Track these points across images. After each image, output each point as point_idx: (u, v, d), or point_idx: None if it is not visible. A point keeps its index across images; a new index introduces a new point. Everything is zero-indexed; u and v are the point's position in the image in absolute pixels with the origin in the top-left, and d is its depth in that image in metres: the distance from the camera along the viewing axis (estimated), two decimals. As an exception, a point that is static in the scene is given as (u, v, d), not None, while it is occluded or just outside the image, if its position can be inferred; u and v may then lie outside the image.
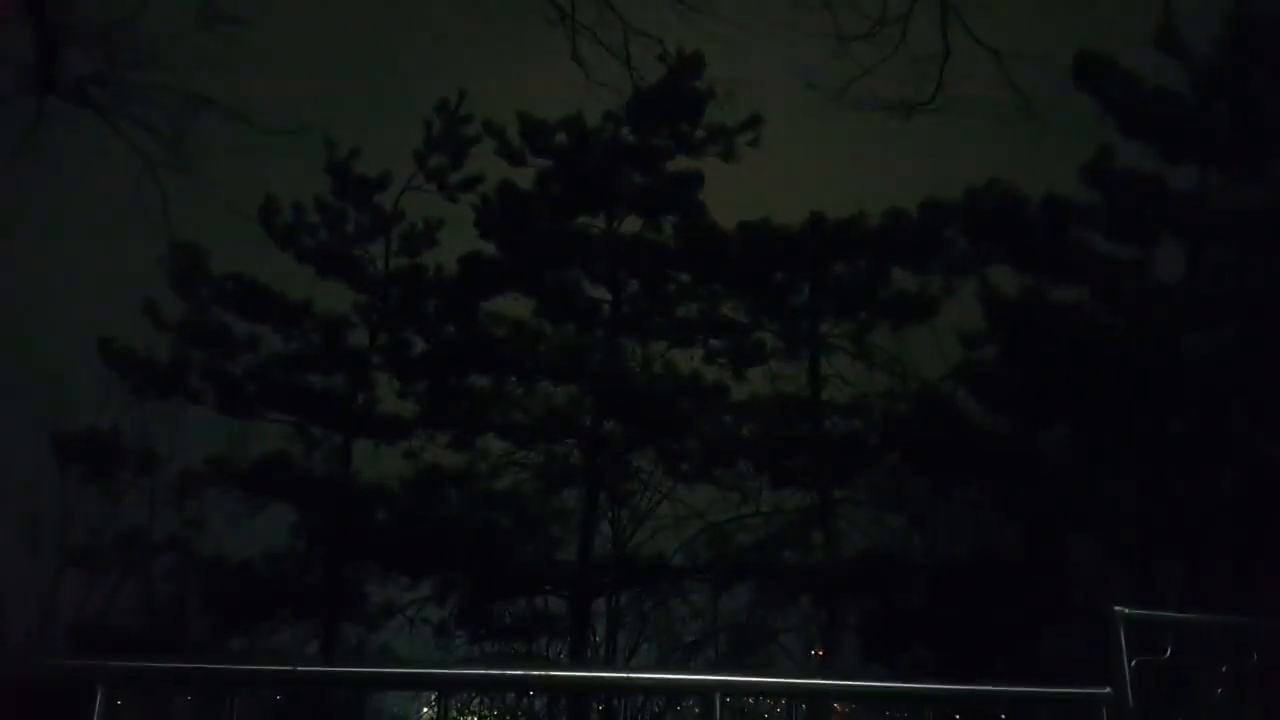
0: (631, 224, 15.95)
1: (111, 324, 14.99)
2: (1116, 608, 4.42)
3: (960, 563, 13.94)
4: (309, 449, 15.10)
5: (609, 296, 15.87)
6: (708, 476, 15.44)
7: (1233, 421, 11.73)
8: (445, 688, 4.01)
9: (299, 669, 4.22)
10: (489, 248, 15.59)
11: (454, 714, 15.89)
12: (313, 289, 15.36)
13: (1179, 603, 10.89)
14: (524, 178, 15.59)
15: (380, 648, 14.96)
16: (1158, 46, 12.34)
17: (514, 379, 15.29)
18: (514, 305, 15.61)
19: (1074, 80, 12.17)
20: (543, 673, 4.60)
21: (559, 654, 15.13)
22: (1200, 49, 12.34)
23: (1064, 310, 12.36)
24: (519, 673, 4.34)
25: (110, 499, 17.04)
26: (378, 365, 15.40)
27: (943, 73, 7.29)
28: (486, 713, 16.82)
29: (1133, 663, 4.29)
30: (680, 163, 15.60)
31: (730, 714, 14.77)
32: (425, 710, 16.34)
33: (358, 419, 15.24)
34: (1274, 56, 11.94)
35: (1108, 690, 4.21)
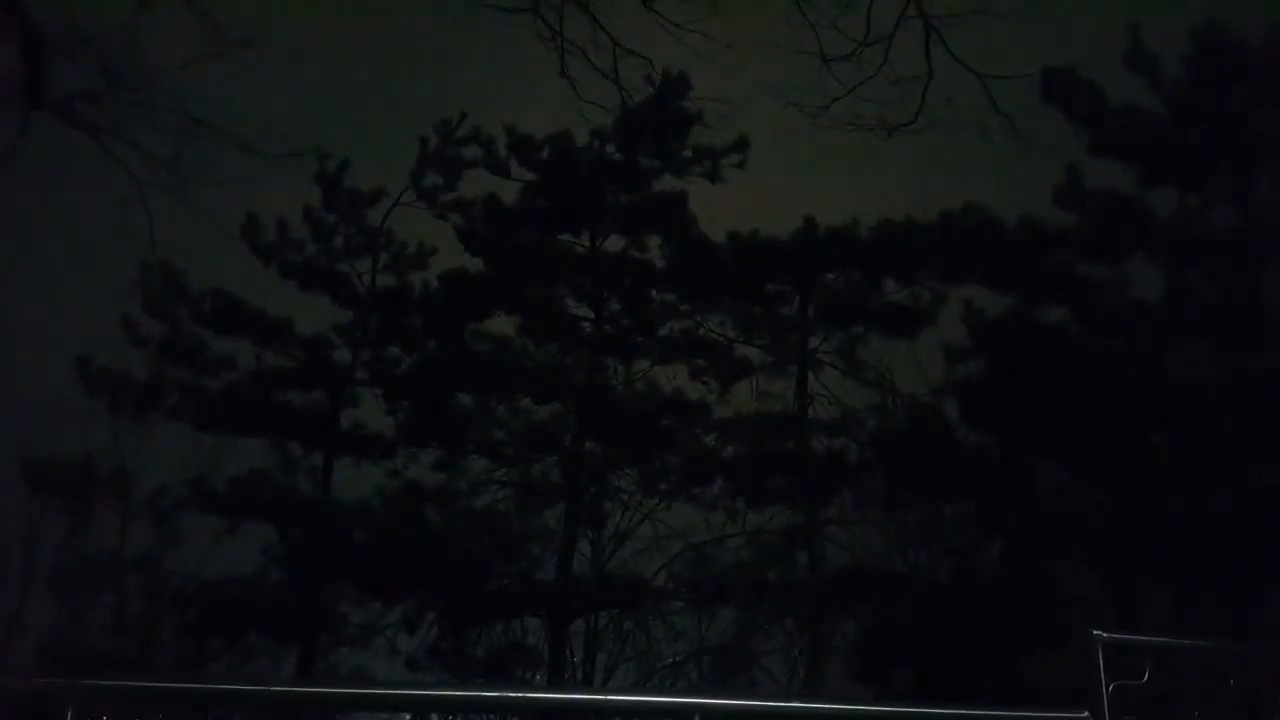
0: (615, 243, 15.96)
1: (89, 342, 14.85)
2: (1095, 631, 4.42)
3: (944, 585, 13.96)
4: (289, 468, 14.98)
5: (592, 314, 15.86)
6: (688, 496, 15.39)
7: (1214, 441, 11.80)
8: (420, 708, 3.98)
9: (273, 689, 4.18)
10: (473, 263, 15.60)
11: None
12: (298, 306, 15.34)
13: (1163, 625, 10.92)
14: (509, 194, 15.61)
15: (356, 668, 14.77)
16: (1126, 65, 12.45)
17: (496, 397, 15.23)
18: (497, 322, 15.62)
19: (1042, 98, 12.26)
20: (519, 693, 4.57)
21: (535, 675, 14.98)
22: (1170, 69, 12.46)
23: (1046, 330, 12.45)
24: (495, 693, 4.31)
25: (82, 519, 16.79)
26: (362, 382, 15.32)
27: (925, 93, 7.36)
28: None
29: (1110, 686, 4.28)
30: (665, 182, 15.64)
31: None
32: (401, 729, 16.15)
33: (340, 437, 15.13)
34: (1243, 77, 12.05)
35: (1085, 714, 4.20)
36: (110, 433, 15.32)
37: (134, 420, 14.93)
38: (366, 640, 15.05)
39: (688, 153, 15.49)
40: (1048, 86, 12.23)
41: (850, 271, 15.45)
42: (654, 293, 15.80)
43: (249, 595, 14.17)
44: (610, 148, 15.55)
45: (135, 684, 3.71)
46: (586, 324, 15.85)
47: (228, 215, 14.63)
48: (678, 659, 16.03)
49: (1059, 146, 11.05)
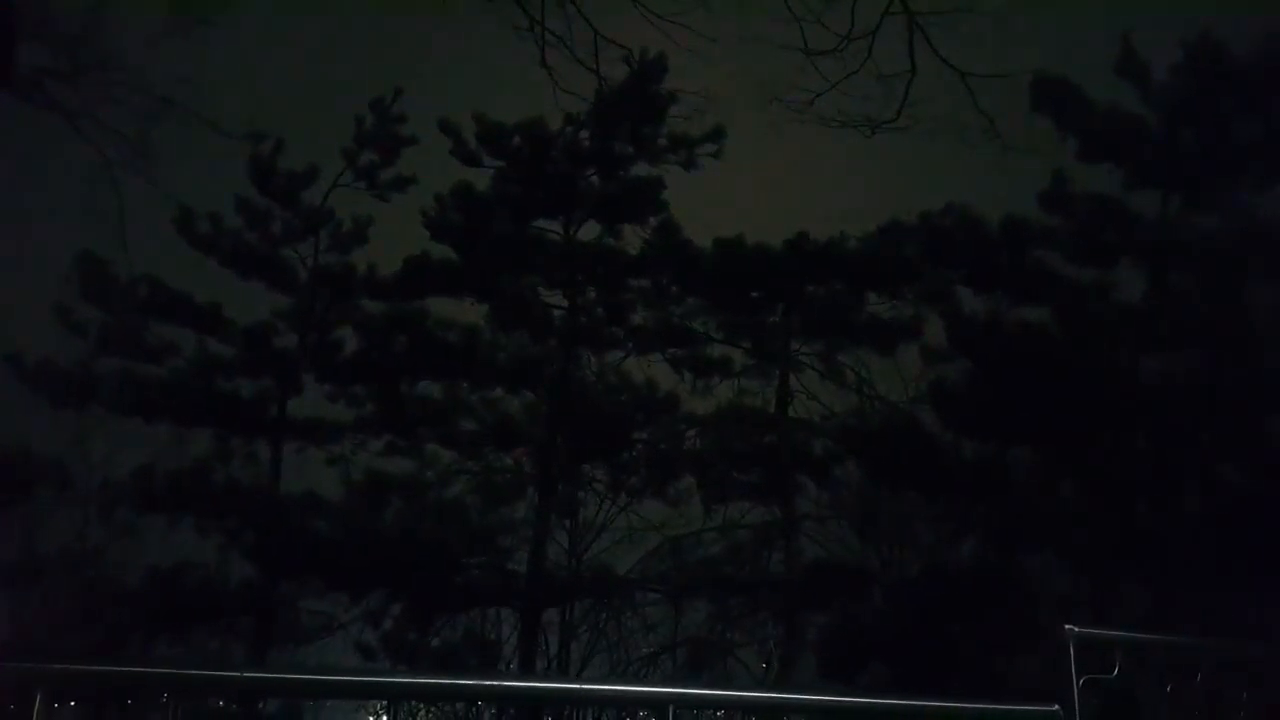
0: (590, 230, 15.89)
1: (27, 333, 14.60)
2: (1067, 626, 4.46)
3: (919, 579, 14.05)
4: (238, 458, 14.77)
5: (565, 303, 15.78)
6: (657, 492, 15.35)
7: (1185, 442, 11.93)
8: (394, 696, 3.95)
9: (245, 674, 4.15)
10: (437, 249, 15.45)
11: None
12: (238, 292, 15.16)
13: (1134, 621, 11.04)
14: (480, 180, 15.51)
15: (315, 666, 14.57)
16: (1118, 73, 12.57)
17: (465, 386, 15.11)
18: (466, 310, 15.48)
19: (1032, 103, 12.34)
20: (493, 683, 4.56)
21: (509, 665, 14.95)
22: (1159, 76, 12.57)
23: (1026, 330, 12.53)
24: (469, 682, 4.29)
25: (23, 513, 16.45)
26: (310, 369, 15.09)
27: (908, 91, 7.36)
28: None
29: (1081, 681, 4.32)
30: (641, 169, 15.58)
31: (683, 727, 14.68)
32: (370, 719, 16.09)
33: (289, 425, 14.97)
34: (1232, 85, 12.18)
35: (1056, 708, 4.24)
36: (51, 425, 15.06)
37: (77, 412, 14.66)
38: (326, 634, 14.88)
39: (663, 140, 15.45)
40: (1038, 91, 12.29)
41: (834, 285, 15.49)
42: (630, 282, 15.73)
43: (201, 588, 13.90)
44: (585, 134, 15.48)
45: (106, 669, 3.66)
46: (559, 312, 15.76)
47: (194, 198, 14.54)
48: (652, 651, 16.07)
49: (1041, 148, 11.10)
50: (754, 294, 15.59)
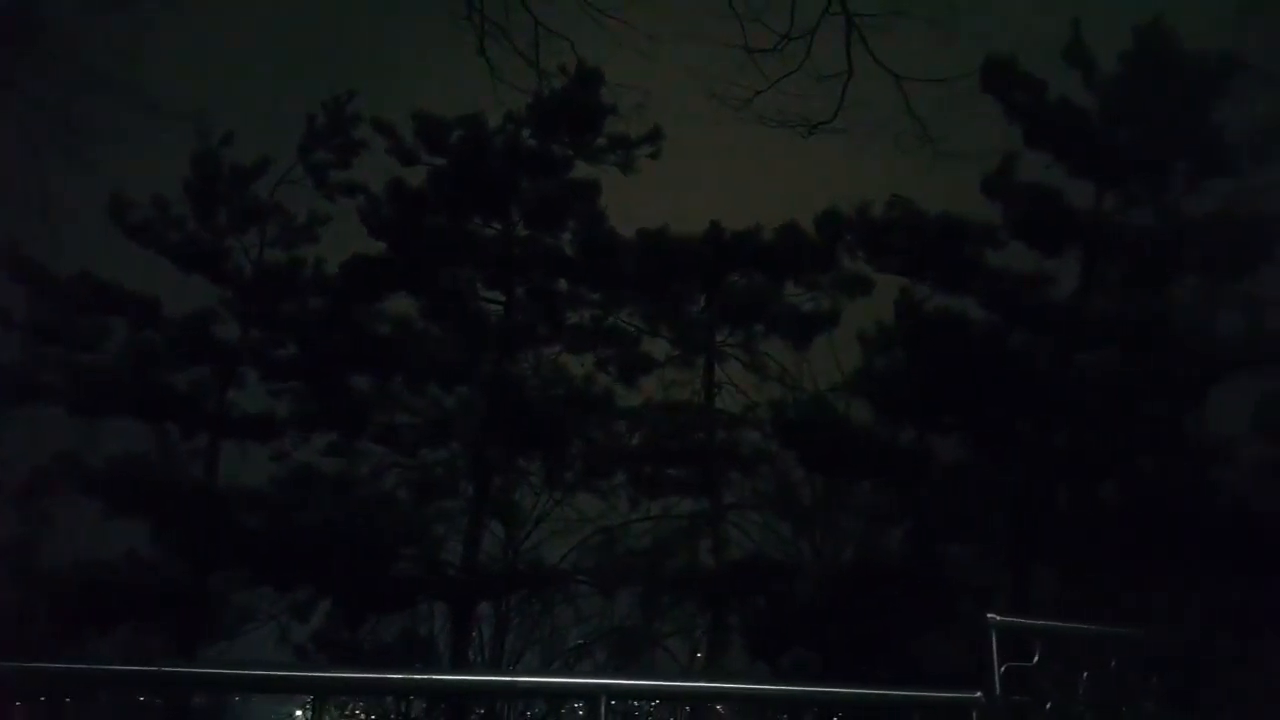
0: (526, 228, 15.80)
1: None
2: (989, 615, 4.58)
3: (844, 568, 14.26)
4: (169, 449, 14.45)
5: (501, 299, 15.72)
6: (590, 486, 15.38)
7: (1113, 435, 12.20)
8: (322, 691, 3.91)
9: (165, 669, 4.06)
10: (374, 246, 15.28)
11: (330, 719, 15.44)
12: (176, 283, 14.83)
13: (1053, 610, 11.32)
14: (416, 176, 15.37)
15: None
16: (1065, 59, 12.71)
17: (399, 381, 14.97)
18: (400, 305, 15.32)
19: (981, 86, 12.47)
20: (424, 676, 4.53)
21: (441, 658, 14.87)
22: (1107, 66, 12.78)
23: (956, 321, 12.73)
24: (399, 675, 4.26)
25: None
26: (247, 362, 14.85)
27: (845, 92, 7.44)
28: (365, 717, 16.43)
29: (1003, 668, 4.44)
30: (580, 170, 15.58)
31: (616, 717, 14.78)
32: (299, 713, 15.88)
33: (227, 419, 14.70)
34: (1175, 77, 12.36)
35: (978, 694, 4.35)
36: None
37: (4, 403, 14.20)
38: (254, 627, 14.66)
39: (602, 141, 15.46)
40: (988, 75, 12.44)
41: (753, 274, 15.65)
42: (562, 282, 15.74)
43: (127, 581, 13.57)
44: (525, 132, 15.43)
45: (19, 665, 3.57)
46: (495, 308, 15.69)
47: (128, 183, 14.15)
48: (584, 641, 16.12)
49: (974, 153, 11.28)
50: (675, 285, 15.68)
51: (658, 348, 16.04)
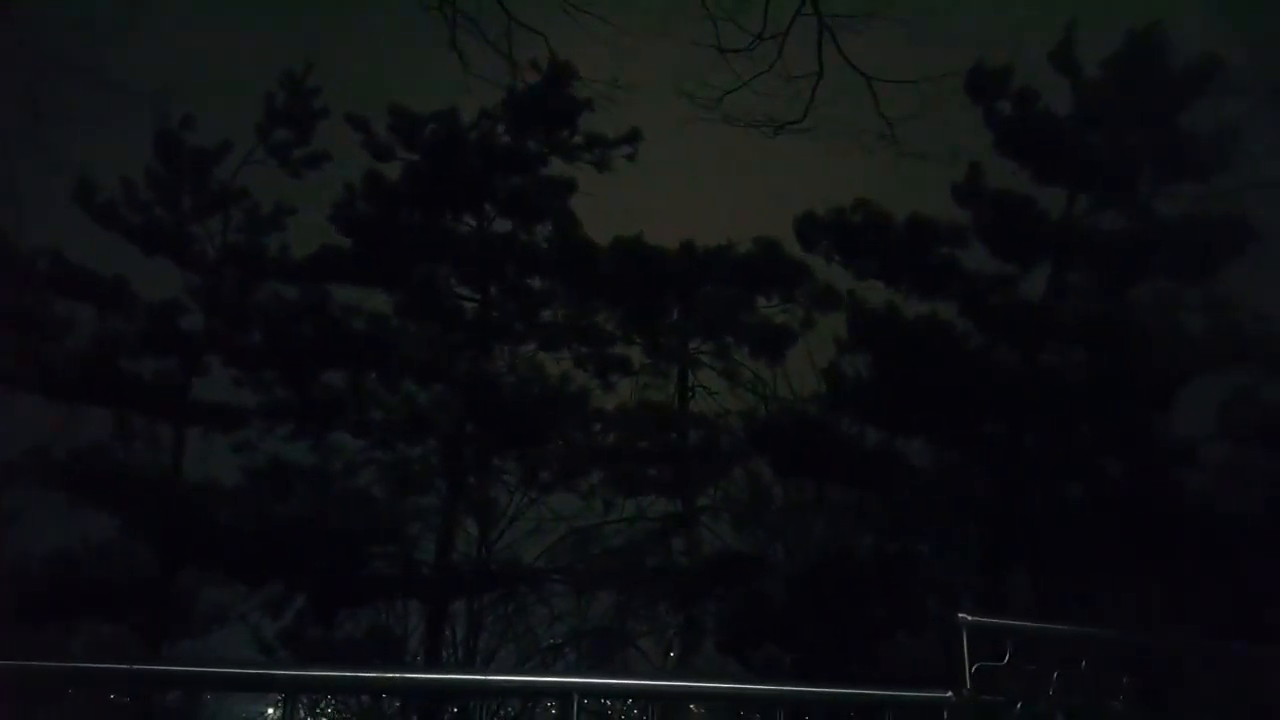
0: (501, 225, 15.77)
1: None
2: (960, 614, 4.61)
3: (816, 567, 14.31)
4: (137, 440, 14.28)
5: (477, 295, 15.65)
6: (566, 486, 15.36)
7: (1082, 436, 12.32)
8: (293, 689, 3.89)
9: (136, 667, 4.02)
10: (343, 242, 15.13)
11: (302, 716, 15.31)
12: (143, 269, 14.63)
13: (1023, 610, 11.41)
14: (391, 170, 15.26)
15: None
16: (1051, 63, 12.81)
17: (374, 376, 14.87)
18: (375, 299, 15.20)
19: (966, 90, 12.56)
20: (397, 674, 4.52)
21: (415, 657, 14.80)
22: (1091, 71, 12.88)
23: (926, 324, 12.80)
24: (372, 674, 4.24)
25: None
26: (214, 352, 14.65)
27: (815, 92, 7.48)
28: (337, 715, 16.32)
29: (974, 668, 4.47)
30: (555, 167, 15.54)
31: (588, 716, 14.76)
32: (271, 711, 15.75)
33: (195, 410, 14.52)
34: (1155, 83, 12.47)
35: (949, 694, 4.38)
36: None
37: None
38: (224, 624, 14.45)
39: (578, 138, 15.42)
40: (973, 82, 12.54)
41: (727, 288, 15.69)
42: (536, 280, 15.70)
43: (92, 575, 13.39)
44: (500, 128, 15.36)
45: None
46: (470, 304, 15.63)
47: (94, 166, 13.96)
48: (557, 641, 16.10)
49: (944, 155, 11.35)
50: (649, 295, 15.69)
51: (633, 352, 16.07)
